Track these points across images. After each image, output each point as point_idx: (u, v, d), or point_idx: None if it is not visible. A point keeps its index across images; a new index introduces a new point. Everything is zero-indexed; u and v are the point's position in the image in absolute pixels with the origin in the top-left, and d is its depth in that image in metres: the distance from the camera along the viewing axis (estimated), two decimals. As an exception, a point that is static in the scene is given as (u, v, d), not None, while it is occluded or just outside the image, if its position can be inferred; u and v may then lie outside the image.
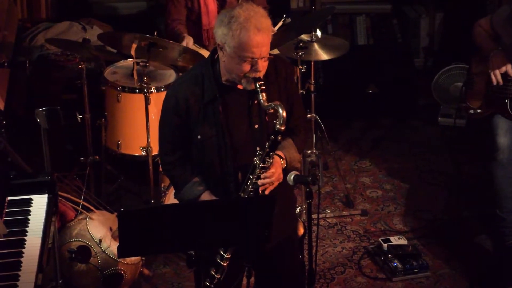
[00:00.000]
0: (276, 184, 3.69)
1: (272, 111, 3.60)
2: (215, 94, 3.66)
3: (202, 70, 3.71)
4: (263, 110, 3.67)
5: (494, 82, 4.86)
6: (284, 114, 3.56)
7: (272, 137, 3.60)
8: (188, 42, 5.46)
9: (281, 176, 3.70)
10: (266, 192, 3.66)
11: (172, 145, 3.78)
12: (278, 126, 3.57)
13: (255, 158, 3.63)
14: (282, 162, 3.71)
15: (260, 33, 3.52)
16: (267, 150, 3.61)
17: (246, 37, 3.51)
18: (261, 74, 3.59)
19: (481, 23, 5.02)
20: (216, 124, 3.67)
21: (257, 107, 3.68)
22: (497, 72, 4.84)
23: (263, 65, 3.58)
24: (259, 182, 3.63)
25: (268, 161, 3.63)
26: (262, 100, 3.57)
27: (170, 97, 3.73)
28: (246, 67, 3.57)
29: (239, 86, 3.67)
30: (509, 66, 4.83)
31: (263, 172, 3.63)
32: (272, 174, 3.65)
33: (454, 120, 6.07)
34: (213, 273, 3.71)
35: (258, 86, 3.57)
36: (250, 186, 3.65)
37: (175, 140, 3.76)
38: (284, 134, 3.65)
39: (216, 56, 3.69)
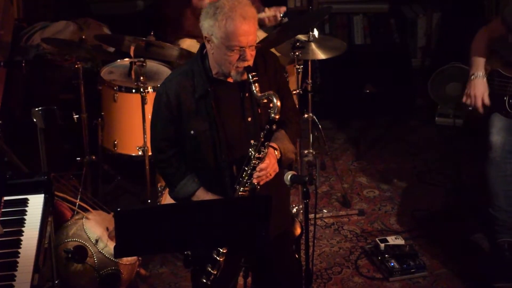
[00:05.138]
0: (273, 175, 3.69)
1: (265, 101, 3.61)
2: (206, 89, 3.67)
3: (192, 65, 3.73)
4: (255, 103, 3.69)
5: (476, 109, 4.87)
6: (279, 103, 3.57)
7: (267, 126, 3.60)
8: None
9: (276, 166, 3.71)
10: (262, 183, 3.66)
11: (165, 143, 3.78)
12: (272, 115, 3.59)
13: (250, 149, 3.63)
14: (276, 153, 3.71)
15: (246, 22, 3.54)
16: (262, 140, 3.62)
17: (232, 26, 3.53)
18: (249, 63, 3.60)
19: (489, 25, 5.01)
20: (209, 118, 3.68)
21: (249, 100, 3.70)
22: (479, 102, 4.85)
23: (251, 54, 3.60)
24: (255, 174, 3.64)
25: (263, 151, 3.63)
26: (255, 91, 3.58)
27: (161, 94, 3.74)
28: (234, 57, 3.58)
29: (230, 80, 3.67)
30: (486, 94, 4.84)
31: (258, 163, 3.64)
32: (267, 165, 3.65)
33: (453, 120, 6.07)
34: (210, 269, 3.70)
35: (250, 77, 3.58)
36: (246, 178, 3.65)
37: (168, 137, 3.77)
38: (276, 126, 3.65)
39: (205, 51, 3.70)
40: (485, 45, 4.90)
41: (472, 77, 4.87)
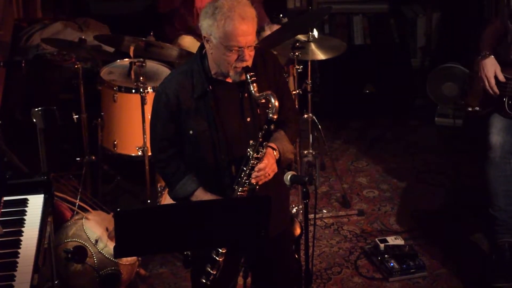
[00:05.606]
0: (272, 175, 3.69)
1: (263, 101, 3.61)
2: (205, 89, 3.67)
3: (192, 65, 3.72)
4: (254, 103, 3.68)
5: (489, 90, 4.85)
6: (277, 103, 3.57)
7: (265, 126, 3.60)
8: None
9: (275, 166, 3.71)
10: (260, 183, 3.66)
11: (165, 142, 3.78)
12: (270, 115, 3.59)
13: (249, 149, 3.63)
14: (275, 154, 3.71)
15: (244, 22, 3.54)
16: (261, 140, 3.62)
17: (231, 26, 3.53)
18: (248, 63, 3.60)
19: (494, 20, 5.03)
20: (208, 118, 3.68)
21: (249, 100, 3.70)
22: (492, 81, 4.84)
23: (249, 54, 3.60)
24: (254, 174, 3.64)
25: (261, 152, 3.63)
26: (253, 91, 3.58)
27: (160, 94, 3.74)
28: (233, 57, 3.58)
29: (228, 80, 3.67)
30: (498, 69, 4.84)
31: (256, 163, 3.64)
32: (265, 165, 3.65)
33: (453, 120, 6.07)
34: (209, 269, 3.70)
35: (249, 77, 3.58)
36: (245, 178, 3.65)
37: (168, 137, 3.76)
38: (274, 126, 3.66)
39: (204, 51, 3.70)
40: (492, 34, 4.91)
41: (480, 58, 4.86)
